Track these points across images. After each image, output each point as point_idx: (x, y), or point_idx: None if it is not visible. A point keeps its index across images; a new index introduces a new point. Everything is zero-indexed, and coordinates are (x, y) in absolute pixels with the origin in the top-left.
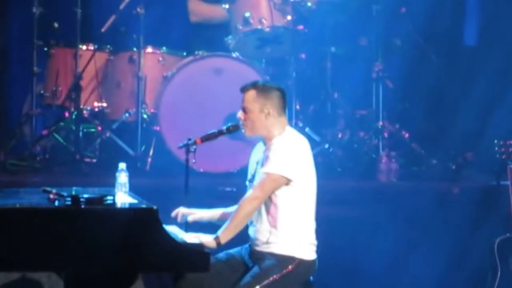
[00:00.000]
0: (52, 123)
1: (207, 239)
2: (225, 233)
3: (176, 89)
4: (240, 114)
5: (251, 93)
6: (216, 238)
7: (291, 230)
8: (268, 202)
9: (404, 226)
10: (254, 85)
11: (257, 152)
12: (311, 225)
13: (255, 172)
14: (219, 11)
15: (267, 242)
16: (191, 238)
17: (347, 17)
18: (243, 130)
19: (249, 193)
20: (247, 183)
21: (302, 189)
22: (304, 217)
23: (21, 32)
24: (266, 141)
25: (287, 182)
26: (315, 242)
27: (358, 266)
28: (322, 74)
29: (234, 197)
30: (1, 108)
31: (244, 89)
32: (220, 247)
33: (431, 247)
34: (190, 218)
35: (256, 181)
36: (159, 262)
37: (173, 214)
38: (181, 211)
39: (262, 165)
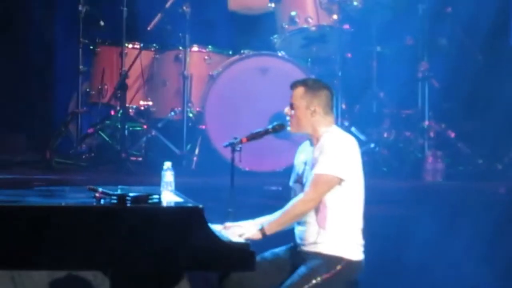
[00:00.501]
0: (98, 121)
1: (252, 231)
2: (272, 226)
3: (222, 88)
4: (287, 109)
5: (300, 90)
6: (262, 230)
7: (339, 230)
8: (318, 204)
9: (450, 225)
10: (303, 82)
11: (304, 152)
12: (359, 225)
13: (302, 173)
14: (260, 1)
15: (314, 243)
16: (236, 236)
17: (393, 16)
18: (288, 127)
19: (304, 195)
20: (291, 183)
21: (352, 189)
22: (353, 217)
23: (67, 30)
24: (312, 140)
25: (340, 182)
26: (362, 242)
27: (404, 265)
28: (367, 73)
29: (279, 196)
30: (47, 107)
31: (293, 86)
32: (265, 238)
33: (477, 246)
34: None
35: (308, 183)
36: (205, 261)
37: (219, 228)
38: (227, 227)
39: (313, 166)
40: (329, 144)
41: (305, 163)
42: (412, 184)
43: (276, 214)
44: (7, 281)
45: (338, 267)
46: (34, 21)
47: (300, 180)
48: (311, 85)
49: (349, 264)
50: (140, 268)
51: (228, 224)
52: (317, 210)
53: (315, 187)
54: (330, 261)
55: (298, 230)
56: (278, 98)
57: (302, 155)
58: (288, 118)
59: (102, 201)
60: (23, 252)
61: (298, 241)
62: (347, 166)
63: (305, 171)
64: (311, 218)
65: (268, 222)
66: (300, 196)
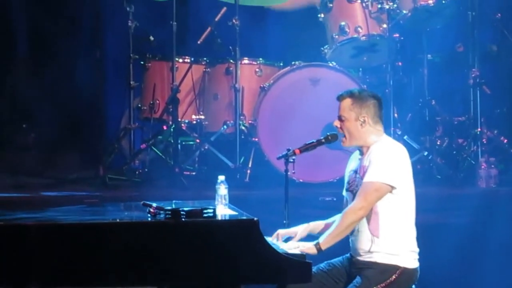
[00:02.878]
0: (150, 136)
1: (307, 246)
2: (327, 240)
3: (273, 99)
4: (336, 122)
5: (347, 102)
6: (317, 245)
7: (392, 238)
8: (369, 213)
9: (506, 232)
10: (349, 93)
11: (354, 160)
12: (412, 232)
13: (352, 181)
14: None
15: (369, 251)
16: (292, 248)
17: (443, 23)
18: (341, 142)
19: (354, 203)
20: (343, 192)
21: (403, 197)
22: (405, 225)
23: (117, 46)
24: (363, 149)
25: (390, 190)
26: (416, 249)
27: (460, 273)
28: (419, 82)
29: (334, 207)
30: (100, 123)
31: (340, 98)
32: (320, 253)
33: None
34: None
35: (359, 191)
36: (261, 274)
37: (272, 238)
38: (280, 234)
39: (362, 174)
40: (378, 152)
41: (355, 171)
42: (466, 191)
43: (328, 222)
44: None
45: (394, 276)
46: (85, 38)
47: (350, 188)
48: (358, 96)
49: (405, 272)
50: (196, 282)
51: (280, 231)
52: (369, 218)
53: (365, 196)
54: (386, 270)
55: (352, 239)
56: (330, 108)
57: (352, 164)
58: (338, 131)
59: (156, 217)
60: (79, 269)
61: (353, 251)
62: (398, 174)
63: (355, 180)
64: (364, 227)
65: (323, 237)
66: (351, 206)
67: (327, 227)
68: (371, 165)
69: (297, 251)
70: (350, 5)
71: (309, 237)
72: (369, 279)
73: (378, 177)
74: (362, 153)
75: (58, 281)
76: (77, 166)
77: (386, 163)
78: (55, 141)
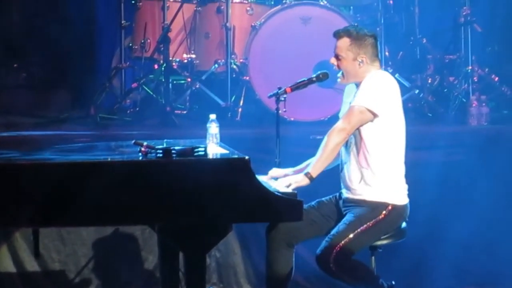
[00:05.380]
0: (142, 75)
1: (298, 179)
2: (315, 167)
3: (264, 38)
4: (332, 60)
5: (345, 41)
6: (307, 174)
7: (382, 174)
8: (358, 143)
9: (497, 169)
10: (347, 32)
11: (349, 92)
12: (401, 169)
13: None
14: None
15: (359, 184)
16: (283, 186)
17: None
18: (338, 79)
19: (337, 124)
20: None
21: (390, 128)
22: (394, 161)
23: None
24: (360, 83)
25: (372, 118)
26: (406, 186)
27: (450, 211)
28: (410, 20)
29: None
30: (91, 63)
31: (337, 35)
32: (313, 181)
33: None
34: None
35: (345, 114)
36: (252, 213)
37: (265, 179)
38: (274, 174)
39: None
40: (368, 81)
41: (350, 103)
42: (457, 129)
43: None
44: (56, 238)
45: (384, 213)
46: None
47: None
48: (356, 35)
49: (395, 209)
50: (188, 221)
51: (273, 170)
52: (358, 152)
53: (349, 118)
54: (376, 207)
55: (342, 175)
56: (321, 47)
57: (348, 95)
58: (335, 68)
59: (148, 156)
60: (70, 208)
61: (343, 187)
62: (382, 103)
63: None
64: (353, 159)
65: (311, 165)
66: (334, 127)
67: None
68: (358, 92)
69: (288, 190)
70: None
71: None
72: (359, 216)
73: (362, 102)
74: (357, 86)
75: (50, 221)
76: (69, 106)
77: (372, 91)
78: (46, 81)
